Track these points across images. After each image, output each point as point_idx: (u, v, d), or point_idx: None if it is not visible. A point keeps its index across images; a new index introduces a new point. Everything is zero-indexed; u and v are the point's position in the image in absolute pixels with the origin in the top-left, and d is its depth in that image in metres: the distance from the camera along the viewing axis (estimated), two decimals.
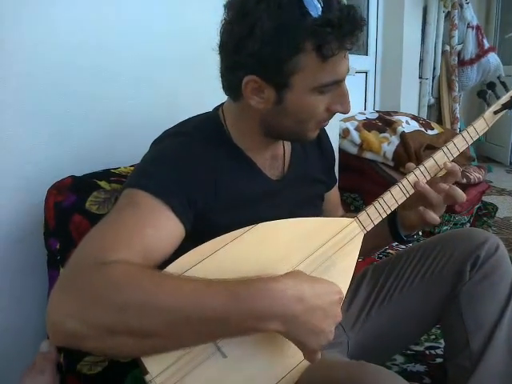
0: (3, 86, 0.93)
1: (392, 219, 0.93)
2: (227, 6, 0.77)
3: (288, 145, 0.95)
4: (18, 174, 0.97)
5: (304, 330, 0.64)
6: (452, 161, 0.93)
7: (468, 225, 2.29)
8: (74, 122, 1.05)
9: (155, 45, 1.21)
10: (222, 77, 0.82)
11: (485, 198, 2.59)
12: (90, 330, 0.58)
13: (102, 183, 0.96)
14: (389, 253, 1.84)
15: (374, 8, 2.91)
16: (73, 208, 0.92)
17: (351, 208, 2.28)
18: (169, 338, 0.60)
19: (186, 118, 0.90)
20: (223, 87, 0.83)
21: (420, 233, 1.01)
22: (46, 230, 0.93)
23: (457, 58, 3.35)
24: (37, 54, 0.98)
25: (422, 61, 3.19)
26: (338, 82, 0.77)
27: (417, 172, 0.89)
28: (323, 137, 1.03)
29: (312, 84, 0.75)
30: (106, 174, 0.99)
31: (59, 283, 0.63)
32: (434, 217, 0.88)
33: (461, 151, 0.94)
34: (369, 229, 0.83)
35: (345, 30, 0.71)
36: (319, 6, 0.70)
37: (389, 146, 2.16)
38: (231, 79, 0.80)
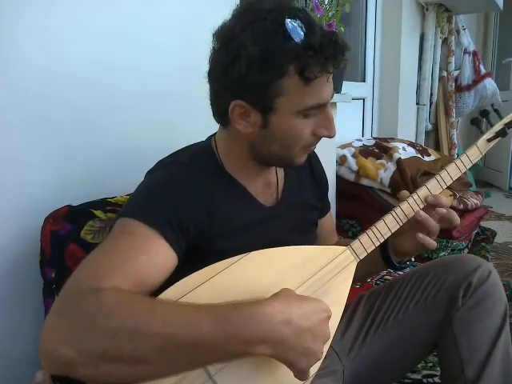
0: (6, 116, 0.95)
1: (384, 246, 0.93)
2: (215, 35, 0.80)
3: (281, 172, 0.96)
4: (15, 202, 0.98)
5: (293, 353, 0.64)
6: (449, 186, 0.94)
7: (466, 250, 2.29)
8: (71, 151, 1.07)
9: (158, 80, 1.25)
10: (211, 103, 0.85)
11: (483, 224, 2.60)
12: (83, 357, 0.58)
13: (98, 212, 0.97)
14: (386, 279, 1.83)
15: (371, 35, 2.96)
16: (68, 237, 0.93)
17: (349, 234, 2.28)
18: (160, 364, 0.60)
19: (181, 147, 0.92)
20: (213, 114, 0.86)
21: (413, 258, 1.01)
22: (42, 258, 0.94)
23: (454, 84, 3.41)
24: (39, 81, 1.00)
25: (419, 87, 3.22)
26: (322, 106, 0.79)
27: (410, 200, 0.90)
28: (315, 163, 1.04)
29: (296, 107, 0.77)
30: (102, 204, 1.00)
31: (53, 310, 0.63)
32: (432, 242, 0.89)
33: (454, 179, 0.95)
34: (362, 257, 0.84)
35: (327, 53, 0.73)
36: (302, 32, 0.73)
37: (385, 172, 2.18)
38: (219, 105, 0.82)
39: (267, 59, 0.73)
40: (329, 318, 0.69)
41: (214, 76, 0.81)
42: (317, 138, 0.83)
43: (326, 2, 1.67)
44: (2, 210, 0.96)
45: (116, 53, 1.15)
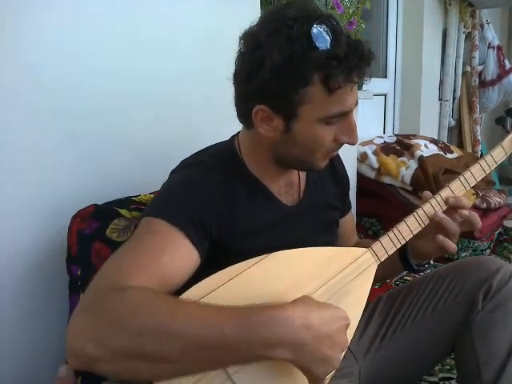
0: (35, 118, 0.98)
1: (403, 248, 0.93)
2: (242, 38, 0.80)
3: (303, 172, 0.96)
4: (42, 202, 1.01)
5: (311, 358, 0.64)
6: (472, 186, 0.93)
7: (488, 251, 2.25)
8: (97, 152, 1.10)
9: (182, 80, 1.27)
10: (235, 105, 0.85)
11: (507, 223, 2.55)
12: (107, 354, 0.60)
13: (123, 211, 0.99)
14: (406, 279, 1.82)
15: (393, 31, 2.93)
16: (94, 235, 0.95)
17: (369, 233, 2.27)
18: (181, 363, 0.62)
19: (204, 146, 0.93)
20: (237, 115, 0.87)
21: (431, 261, 1.00)
22: (69, 256, 0.97)
23: (478, 79, 3.34)
24: (64, 84, 1.02)
25: (441, 82, 3.18)
26: (345, 114, 0.79)
27: (433, 202, 0.89)
28: (337, 163, 1.04)
29: (319, 115, 0.77)
30: (127, 202, 1.02)
31: (79, 308, 0.65)
32: (452, 245, 0.89)
33: (478, 180, 0.94)
34: (382, 259, 0.84)
35: (351, 63, 0.73)
36: (328, 38, 0.73)
37: (407, 170, 2.15)
38: (242, 108, 0.83)
39: (291, 68, 0.73)
40: (347, 326, 0.69)
41: (238, 80, 0.82)
42: (338, 144, 0.83)
43: (347, 0, 1.66)
44: (30, 209, 0.99)
45: (140, 54, 1.17)
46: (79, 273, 0.94)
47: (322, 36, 0.73)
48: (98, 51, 1.08)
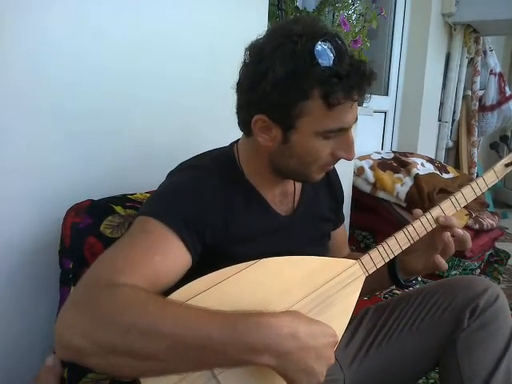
0: (34, 112, 0.99)
1: (392, 263, 0.94)
2: (248, 49, 0.82)
3: (298, 183, 0.97)
4: (41, 192, 1.02)
5: (296, 368, 0.65)
6: (466, 206, 0.95)
7: (478, 271, 2.27)
8: (95, 148, 1.10)
9: (182, 85, 1.28)
10: (236, 113, 0.87)
11: (499, 245, 2.57)
12: (94, 348, 0.61)
13: (118, 208, 0.99)
14: (395, 293, 1.83)
15: (397, 50, 2.96)
16: (88, 230, 0.95)
17: (361, 245, 2.29)
18: (167, 362, 0.63)
19: (203, 150, 0.95)
20: (238, 123, 0.88)
21: (419, 278, 1.02)
22: (61, 249, 0.97)
23: (477, 103, 3.38)
24: (65, 84, 1.03)
25: (442, 104, 3.22)
26: (344, 130, 0.81)
27: (423, 219, 0.91)
28: (333, 176, 1.06)
29: (317, 129, 0.79)
30: (122, 200, 1.03)
31: (69, 301, 0.66)
32: (445, 264, 0.91)
33: (469, 201, 0.96)
34: (371, 272, 0.85)
35: (352, 82, 0.75)
36: (332, 55, 0.75)
37: (402, 187, 2.18)
38: (243, 116, 0.85)
39: (292, 82, 0.75)
40: (335, 343, 0.70)
41: (241, 89, 0.84)
42: (335, 158, 0.84)
43: (354, 18, 1.68)
44: (25, 200, 1.00)
45: (143, 59, 1.18)
46: (71, 266, 0.95)
47: (325, 53, 0.74)
48: (99, 52, 1.09)
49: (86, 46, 1.06)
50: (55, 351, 0.65)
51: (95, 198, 1.02)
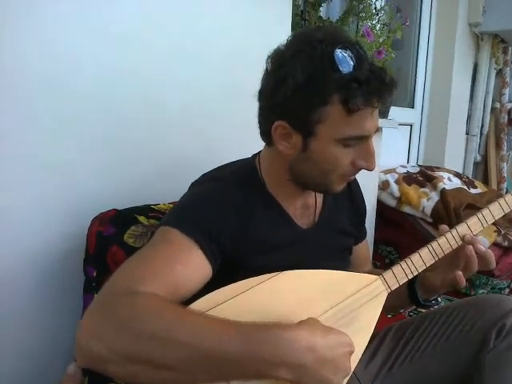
0: (63, 122, 1.02)
1: (412, 280, 0.92)
2: (269, 57, 0.83)
3: (320, 196, 0.97)
4: (65, 203, 1.04)
5: (313, 380, 0.64)
6: (494, 222, 0.93)
7: (507, 290, 2.20)
8: (120, 159, 1.13)
9: (205, 95, 1.29)
10: (258, 122, 0.88)
11: None
12: (112, 355, 0.61)
13: (141, 218, 1.01)
14: (420, 311, 1.79)
15: (423, 61, 2.93)
16: (112, 239, 0.97)
17: (386, 261, 2.25)
18: (183, 372, 0.62)
19: (225, 162, 0.96)
20: (260, 133, 0.89)
21: (439, 299, 0.99)
22: (86, 257, 0.99)
23: (507, 116, 3.31)
24: (89, 92, 1.06)
25: (469, 117, 3.16)
26: (364, 138, 0.80)
27: (448, 236, 0.89)
28: (355, 189, 1.05)
29: (336, 135, 0.78)
30: (146, 210, 1.04)
31: (91, 308, 0.67)
32: (463, 279, 0.88)
33: (496, 218, 0.93)
34: (393, 288, 0.83)
35: (372, 87, 0.74)
36: (351, 63, 0.75)
37: (428, 201, 2.14)
38: (264, 124, 0.85)
39: (312, 86, 0.75)
40: (351, 353, 0.69)
41: (262, 95, 0.85)
42: (356, 168, 0.83)
43: (378, 28, 1.67)
44: (52, 209, 1.02)
45: (167, 66, 1.20)
46: (95, 274, 0.96)
47: (345, 60, 0.75)
48: (123, 61, 1.11)
49: (109, 52, 1.08)
50: (75, 359, 0.66)
51: (119, 208, 1.04)
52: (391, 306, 0.93)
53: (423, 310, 1.73)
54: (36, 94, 0.97)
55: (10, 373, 1.02)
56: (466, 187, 2.35)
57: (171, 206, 1.07)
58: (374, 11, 1.72)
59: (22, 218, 0.98)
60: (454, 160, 3.07)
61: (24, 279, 1.00)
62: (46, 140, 0.99)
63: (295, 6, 1.58)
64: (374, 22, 1.73)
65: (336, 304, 0.77)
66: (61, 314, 1.06)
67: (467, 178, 2.59)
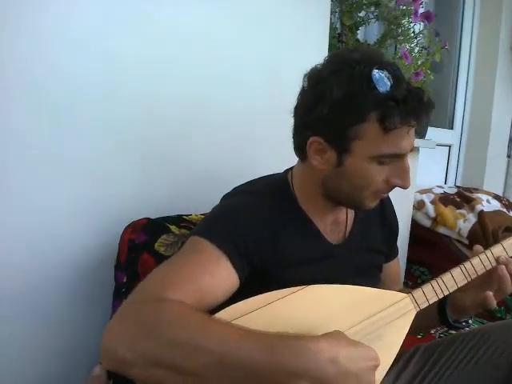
0: (102, 131, 1.06)
1: (442, 302, 0.90)
2: (305, 76, 0.85)
3: (351, 212, 0.97)
4: (99, 211, 1.08)
5: None
6: None
7: None
8: (153, 169, 1.16)
9: (240, 112, 1.33)
10: (292, 137, 0.89)
11: None
12: (137, 359, 0.62)
13: (173, 227, 1.03)
14: (450, 333, 1.73)
15: (463, 83, 2.90)
16: (143, 246, 0.99)
17: (418, 281, 2.19)
18: (205, 379, 0.62)
19: (258, 176, 0.97)
20: (294, 147, 0.90)
21: (470, 321, 0.96)
22: (117, 263, 1.02)
23: None
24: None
25: (511, 140, 3.09)
26: (399, 156, 0.80)
27: (482, 257, 0.87)
28: (387, 207, 1.04)
29: (371, 153, 0.78)
30: (177, 219, 1.06)
31: (118, 313, 0.69)
32: (495, 303, 0.86)
33: None
34: (422, 307, 0.82)
35: (409, 107, 0.74)
36: (389, 83, 0.75)
37: (465, 223, 2.09)
38: (299, 139, 0.86)
39: (349, 103, 0.76)
40: (376, 367, 0.67)
41: (298, 112, 0.86)
42: (389, 186, 0.83)
43: (416, 51, 1.66)
44: (86, 217, 1.05)
45: (206, 85, 1.23)
46: (125, 280, 0.99)
47: (382, 80, 0.75)
48: (164, 78, 1.14)
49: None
50: (101, 361, 0.68)
51: (152, 217, 1.07)
52: (421, 325, 0.90)
53: (454, 332, 1.68)
54: (80, 101, 1.01)
55: (42, 373, 1.04)
56: (505, 210, 2.28)
57: (202, 216, 1.08)
58: (412, 35, 1.72)
59: (60, 221, 1.02)
60: (494, 182, 2.99)
61: (57, 286, 1.03)
62: (84, 148, 1.03)
63: (332, 28, 1.60)
64: (412, 45, 1.73)
65: (363, 320, 0.76)
66: (91, 319, 1.09)
67: (507, 200, 2.51)
